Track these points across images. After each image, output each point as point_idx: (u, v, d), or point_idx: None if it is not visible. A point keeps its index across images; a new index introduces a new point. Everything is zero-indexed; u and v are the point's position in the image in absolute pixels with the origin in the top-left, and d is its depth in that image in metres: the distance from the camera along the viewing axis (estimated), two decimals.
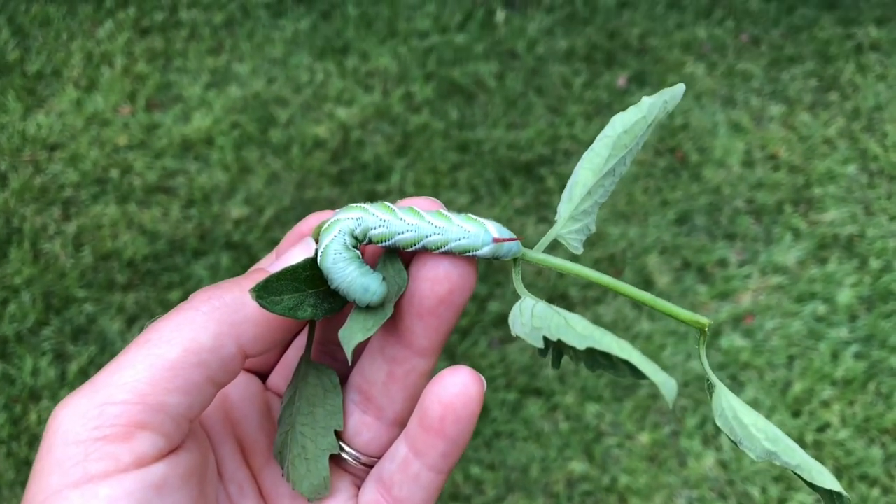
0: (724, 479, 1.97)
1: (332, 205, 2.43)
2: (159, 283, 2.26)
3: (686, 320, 0.53)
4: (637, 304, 2.26)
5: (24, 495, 0.47)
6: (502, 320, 2.18)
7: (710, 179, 2.56)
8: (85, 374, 2.08)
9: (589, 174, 0.56)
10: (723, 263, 2.37)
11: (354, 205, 0.53)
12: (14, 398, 2.04)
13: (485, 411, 2.07)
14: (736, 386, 2.12)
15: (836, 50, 2.97)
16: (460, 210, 2.41)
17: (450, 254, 0.52)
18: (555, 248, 0.54)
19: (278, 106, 2.71)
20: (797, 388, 2.11)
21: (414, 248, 0.52)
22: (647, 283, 2.31)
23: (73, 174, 2.49)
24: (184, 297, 2.13)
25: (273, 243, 2.27)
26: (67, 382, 2.07)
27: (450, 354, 2.15)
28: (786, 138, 2.69)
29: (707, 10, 3.13)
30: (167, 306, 2.19)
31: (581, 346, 0.46)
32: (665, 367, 2.12)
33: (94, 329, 2.18)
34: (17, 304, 2.20)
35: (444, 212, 0.53)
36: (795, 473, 0.49)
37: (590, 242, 2.37)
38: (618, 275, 2.32)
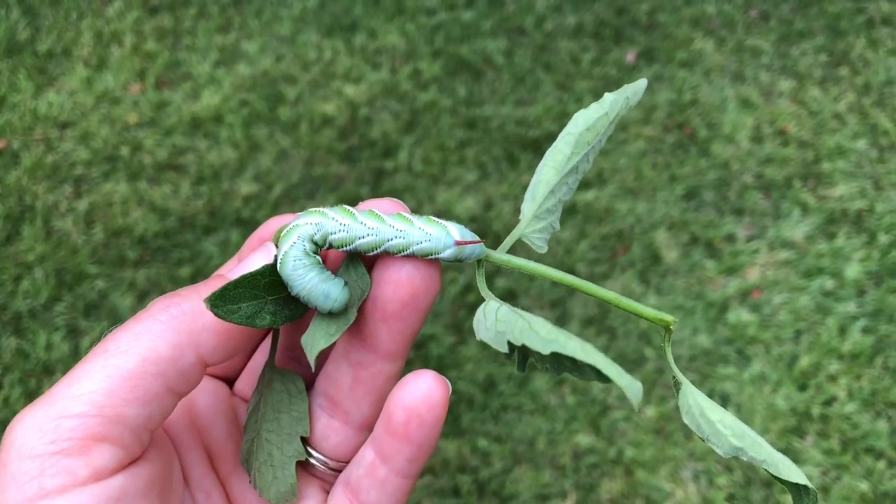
0: None
1: (341, 182, 2.44)
2: (170, 260, 2.28)
3: (651, 318, 0.52)
4: (645, 279, 2.26)
5: None
6: (509, 296, 2.20)
7: (719, 155, 2.55)
8: None
9: (552, 172, 0.55)
10: (731, 238, 2.37)
11: (313, 209, 0.52)
12: (29, 372, 2.08)
13: (492, 384, 2.08)
14: (743, 360, 2.13)
15: (846, 24, 2.95)
16: (468, 187, 2.42)
17: (413, 256, 0.51)
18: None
19: (287, 84, 2.71)
20: (804, 362, 2.12)
21: (376, 252, 0.51)
22: (654, 259, 2.31)
23: (83, 152, 2.51)
24: (194, 273, 2.15)
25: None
26: (80, 357, 2.10)
27: (457, 330, 2.16)
28: (795, 113, 2.68)
29: None
30: (178, 282, 2.21)
31: (545, 350, 0.45)
32: (671, 342, 2.13)
33: (105, 305, 2.20)
34: (31, 281, 2.23)
35: (407, 214, 0.52)
36: (763, 468, 0.49)
37: (597, 218, 2.38)
38: (625, 251, 2.32)
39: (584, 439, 2.00)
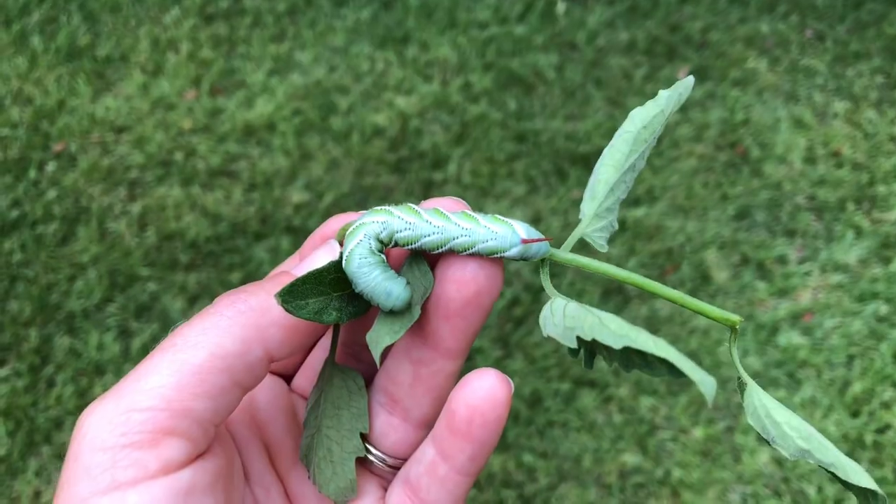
0: (779, 476, 1.95)
1: (390, 192, 2.46)
2: (221, 265, 2.31)
3: (717, 318, 0.51)
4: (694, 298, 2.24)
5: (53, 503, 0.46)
6: None
7: (771, 175, 2.53)
8: (147, 351, 2.13)
9: (611, 171, 0.55)
10: (782, 260, 2.34)
11: (379, 208, 0.52)
12: (80, 371, 2.11)
13: (538, 401, 2.07)
14: (793, 384, 2.10)
15: None
16: (517, 200, 2.42)
17: (476, 255, 0.51)
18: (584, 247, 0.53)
19: (339, 94, 2.74)
20: (857, 388, 2.08)
21: (440, 250, 0.51)
22: (704, 279, 2.29)
23: (138, 156, 2.55)
24: (244, 279, 2.17)
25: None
26: (131, 358, 2.13)
27: (504, 343, 2.16)
28: (850, 135, 2.64)
29: (770, 4, 3.08)
30: (228, 287, 2.23)
31: (617, 345, 0.44)
32: (720, 363, 2.10)
33: (156, 307, 2.23)
34: (84, 281, 2.26)
35: (470, 213, 0.52)
36: (829, 472, 0.47)
37: (647, 236, 2.36)
38: (675, 269, 2.30)
39: (631, 458, 1.98)
